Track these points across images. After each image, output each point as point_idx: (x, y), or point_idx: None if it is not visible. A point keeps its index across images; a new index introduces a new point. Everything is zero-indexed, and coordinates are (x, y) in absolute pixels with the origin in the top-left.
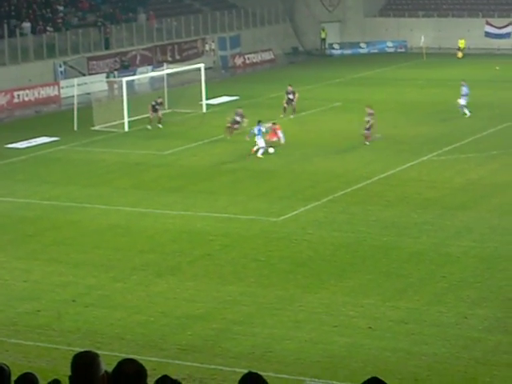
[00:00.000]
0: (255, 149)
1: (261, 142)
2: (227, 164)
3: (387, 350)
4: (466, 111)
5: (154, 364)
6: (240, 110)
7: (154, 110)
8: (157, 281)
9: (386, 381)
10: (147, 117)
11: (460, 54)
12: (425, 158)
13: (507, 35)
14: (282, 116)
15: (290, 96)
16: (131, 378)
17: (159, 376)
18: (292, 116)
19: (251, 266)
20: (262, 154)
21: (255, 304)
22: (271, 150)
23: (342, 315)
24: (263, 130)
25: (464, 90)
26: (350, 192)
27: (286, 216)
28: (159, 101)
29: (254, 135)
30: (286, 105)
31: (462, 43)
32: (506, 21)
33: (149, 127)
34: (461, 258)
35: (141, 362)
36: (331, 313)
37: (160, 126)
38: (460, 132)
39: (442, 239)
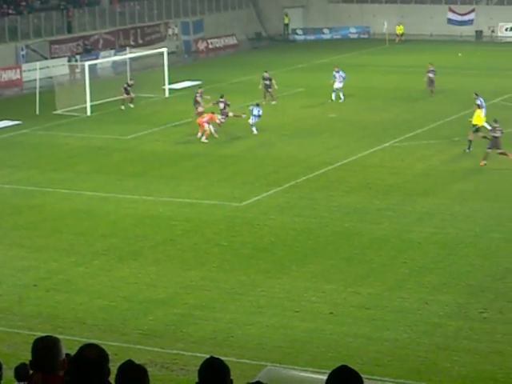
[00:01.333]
0: (255, 131)
1: (252, 120)
2: (190, 149)
3: (348, 336)
4: (341, 95)
5: (115, 349)
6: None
7: (126, 92)
8: (119, 265)
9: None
10: (119, 99)
11: (397, 40)
12: (387, 144)
13: (470, 22)
14: (264, 102)
15: (267, 82)
16: (93, 363)
17: (123, 361)
18: (274, 102)
19: (213, 251)
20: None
21: (217, 289)
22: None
23: (303, 300)
24: (260, 112)
25: (339, 75)
26: (312, 177)
27: (249, 201)
28: (130, 83)
29: (251, 113)
30: (265, 90)
31: (399, 29)
32: (468, 8)
33: (122, 107)
34: (422, 244)
35: (102, 346)
36: (293, 298)
37: (131, 105)
38: (422, 118)
39: (403, 225)
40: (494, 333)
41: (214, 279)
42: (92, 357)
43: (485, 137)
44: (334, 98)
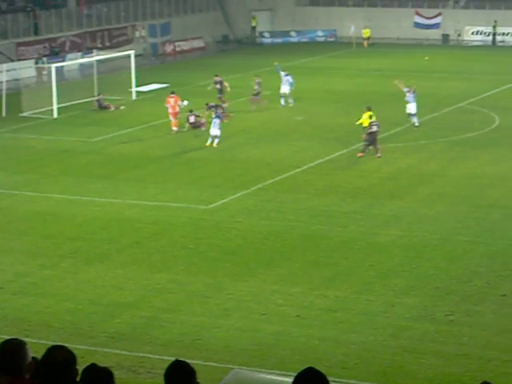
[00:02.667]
0: (209, 141)
1: (214, 131)
2: (157, 151)
3: (315, 339)
4: (290, 101)
5: (82, 352)
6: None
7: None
8: (85, 268)
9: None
10: (77, 103)
11: (365, 43)
12: (354, 147)
13: (436, 26)
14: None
15: (218, 86)
16: (60, 365)
17: (87, 364)
18: (225, 105)
19: (180, 254)
20: (217, 143)
21: (184, 292)
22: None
23: (270, 303)
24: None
25: (286, 79)
26: (279, 180)
27: (216, 204)
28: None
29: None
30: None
31: (366, 33)
32: (435, 11)
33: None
34: (389, 247)
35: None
36: (260, 301)
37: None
38: (388, 121)
39: (370, 228)
40: (461, 335)
41: (181, 282)
42: (60, 359)
43: (366, 140)
44: (283, 103)
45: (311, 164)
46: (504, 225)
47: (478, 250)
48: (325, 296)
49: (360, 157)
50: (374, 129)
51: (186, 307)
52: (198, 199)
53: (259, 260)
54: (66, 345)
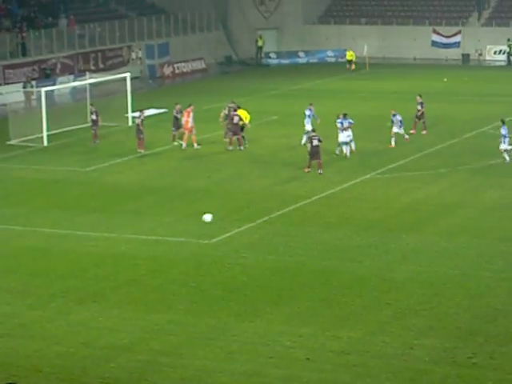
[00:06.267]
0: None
1: (308, 126)
2: (155, 182)
3: (327, 383)
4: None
5: None
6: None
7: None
8: (78, 308)
9: None
10: (69, 130)
11: (353, 66)
12: (368, 176)
13: (456, 44)
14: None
15: (94, 117)
16: None
17: None
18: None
19: (180, 293)
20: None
21: (184, 333)
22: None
23: (278, 345)
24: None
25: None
26: (287, 212)
27: (219, 238)
28: (178, 108)
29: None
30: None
31: (350, 55)
32: (454, 29)
33: (177, 144)
34: (406, 284)
35: None
36: (267, 343)
37: (179, 142)
38: (406, 148)
39: (386, 263)
40: (484, 379)
41: (182, 323)
42: None
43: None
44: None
45: (322, 194)
46: None
47: (502, 287)
48: (337, 337)
49: (308, 172)
50: (315, 143)
51: (187, 350)
52: (199, 233)
53: (266, 298)
54: None
